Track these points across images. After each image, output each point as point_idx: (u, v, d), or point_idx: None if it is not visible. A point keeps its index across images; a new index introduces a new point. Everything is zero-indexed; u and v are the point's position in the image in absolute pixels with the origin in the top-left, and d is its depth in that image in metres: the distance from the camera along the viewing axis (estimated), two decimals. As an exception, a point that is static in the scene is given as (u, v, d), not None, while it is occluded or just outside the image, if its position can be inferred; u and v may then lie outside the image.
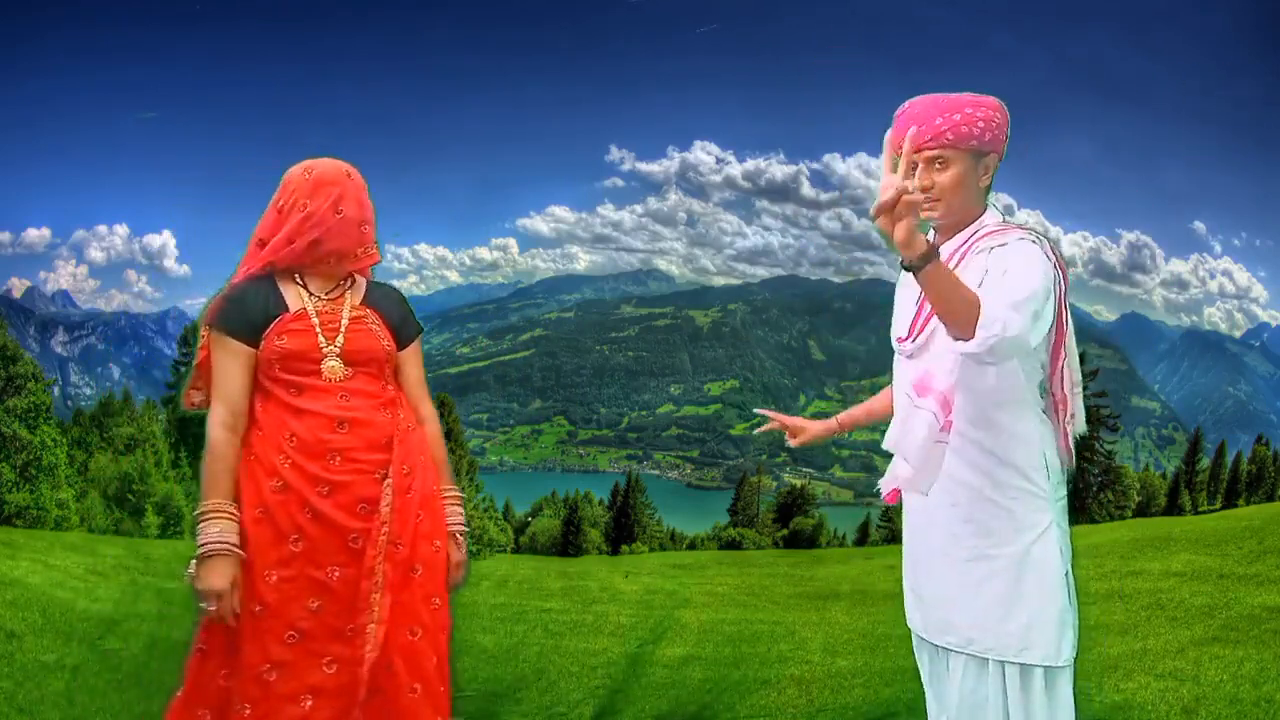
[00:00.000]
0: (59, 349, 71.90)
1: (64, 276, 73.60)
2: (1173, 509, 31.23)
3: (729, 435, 67.86)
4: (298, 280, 1.85)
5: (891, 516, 31.08)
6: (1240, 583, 5.92)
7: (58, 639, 3.74)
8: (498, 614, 6.74)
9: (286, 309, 1.82)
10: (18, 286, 70.09)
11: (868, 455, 63.14)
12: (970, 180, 1.72)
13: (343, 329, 1.84)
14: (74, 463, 19.60)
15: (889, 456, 1.92)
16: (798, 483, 44.18)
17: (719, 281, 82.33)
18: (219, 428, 1.75)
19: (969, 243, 1.73)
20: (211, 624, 1.74)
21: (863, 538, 33.99)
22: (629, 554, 30.66)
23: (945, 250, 1.76)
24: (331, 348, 1.82)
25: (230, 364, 1.78)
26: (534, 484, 50.17)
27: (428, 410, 1.98)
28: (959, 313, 1.49)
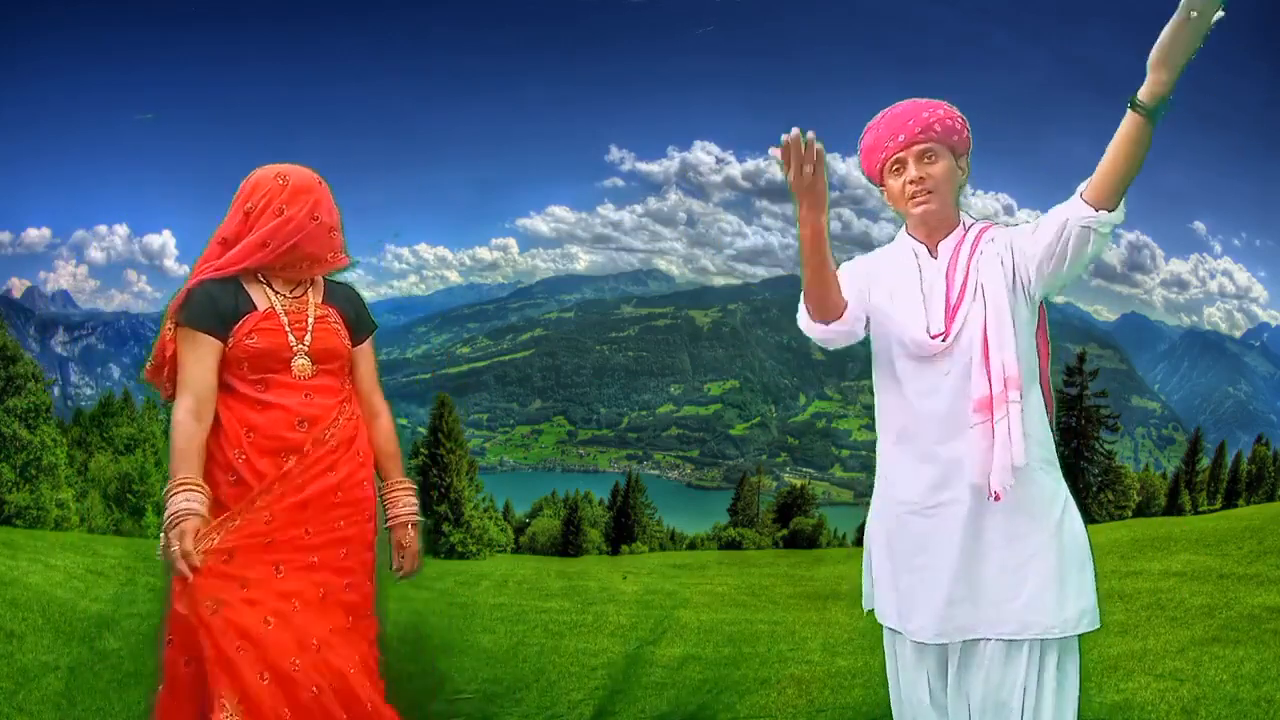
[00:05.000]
0: (59, 349, 71.86)
1: (64, 276, 73.69)
2: (1173, 509, 31.19)
3: (729, 435, 67.83)
4: (261, 279, 1.89)
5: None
6: (1240, 583, 5.92)
7: (58, 639, 3.73)
8: (498, 614, 6.73)
9: (254, 307, 1.86)
10: (18, 286, 70.17)
11: (868, 455, 62.99)
12: (954, 176, 1.79)
13: (310, 328, 1.89)
14: (74, 463, 19.56)
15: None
16: (798, 483, 44.17)
17: (719, 281, 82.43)
18: (187, 414, 1.78)
19: (979, 240, 1.78)
20: (175, 613, 1.76)
21: (862, 538, 33.89)
22: (629, 554, 30.62)
23: (945, 248, 1.82)
24: (300, 346, 1.87)
25: (201, 359, 1.81)
26: (534, 484, 50.15)
27: (380, 404, 2.04)
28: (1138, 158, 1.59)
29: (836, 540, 33.74)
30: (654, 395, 70.41)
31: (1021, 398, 1.68)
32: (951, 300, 1.77)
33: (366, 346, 2.02)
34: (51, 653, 3.53)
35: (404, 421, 64.88)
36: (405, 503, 2.01)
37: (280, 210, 1.83)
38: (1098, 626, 1.71)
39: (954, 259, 1.78)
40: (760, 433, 67.93)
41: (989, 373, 1.69)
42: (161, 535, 1.74)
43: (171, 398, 1.89)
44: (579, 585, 11.17)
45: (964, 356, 1.74)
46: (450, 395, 29.76)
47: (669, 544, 34.71)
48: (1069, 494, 1.75)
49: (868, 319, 1.88)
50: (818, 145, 1.57)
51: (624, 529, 33.35)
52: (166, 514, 1.73)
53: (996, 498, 1.68)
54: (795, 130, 1.56)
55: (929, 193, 1.77)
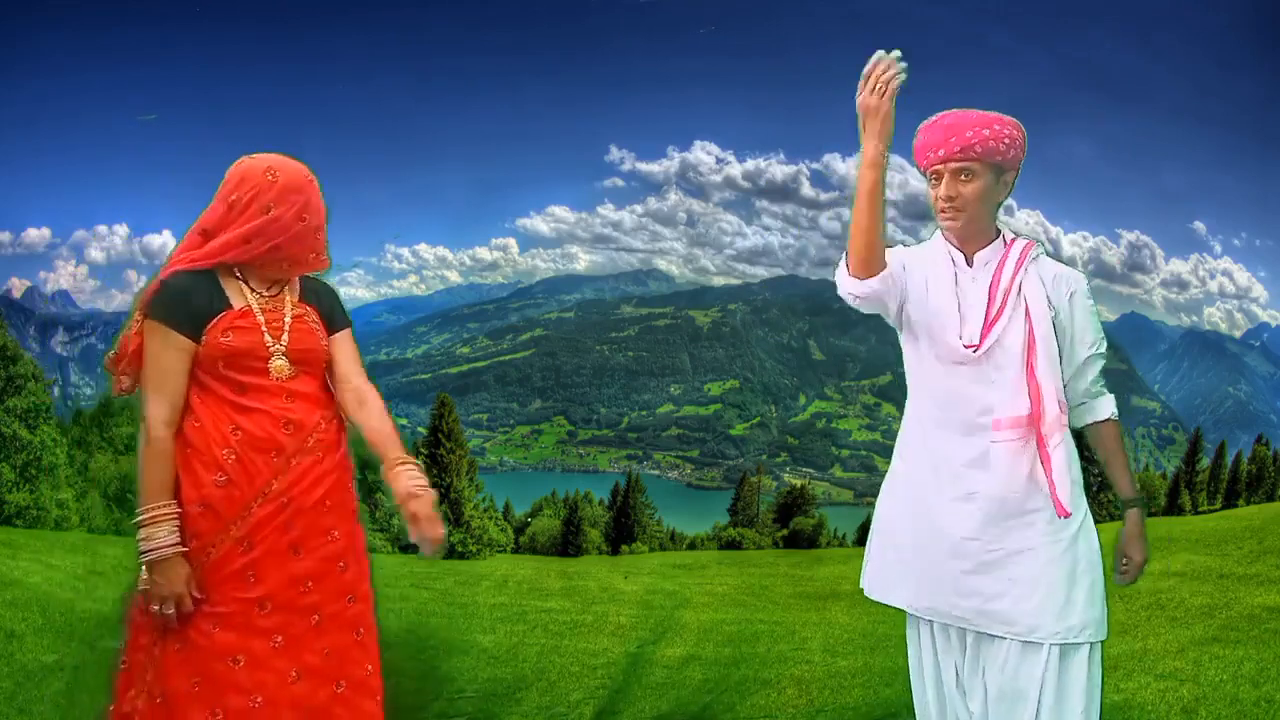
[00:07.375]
0: (59, 349, 71.90)
1: (64, 276, 73.62)
2: (1173, 509, 31.18)
3: (729, 435, 67.80)
4: (238, 276, 1.81)
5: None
6: (1240, 583, 5.93)
7: (58, 639, 3.73)
8: (498, 614, 6.74)
9: (230, 305, 1.77)
10: (18, 286, 70.13)
11: (868, 455, 63.10)
12: (991, 194, 1.81)
13: (287, 327, 1.81)
14: (74, 463, 19.54)
15: (889, 456, 1.97)
16: (798, 483, 44.19)
17: (719, 281, 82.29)
18: (161, 425, 1.70)
19: (1024, 258, 1.83)
20: (142, 626, 1.72)
21: (863, 538, 33.80)
22: (629, 554, 30.61)
23: (982, 259, 1.86)
24: (278, 346, 1.79)
25: (172, 358, 1.72)
26: (534, 484, 50.13)
27: (367, 388, 1.91)
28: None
29: (836, 540, 33.73)
30: (654, 395, 70.39)
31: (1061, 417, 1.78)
32: (991, 314, 1.80)
33: (343, 336, 1.93)
34: (52, 653, 3.52)
35: (404, 421, 64.81)
36: (410, 476, 1.82)
37: (267, 208, 1.75)
38: (1104, 638, 1.78)
39: (998, 273, 1.82)
40: (760, 433, 67.89)
41: (1030, 392, 1.77)
42: (142, 570, 1.68)
43: (124, 391, 1.80)
44: (579, 585, 11.18)
45: (996, 371, 1.80)
46: (450, 395, 29.77)
47: (669, 544, 34.69)
48: (1088, 509, 1.83)
49: (902, 300, 1.88)
50: (899, 74, 1.65)
51: (624, 529, 33.33)
52: (146, 547, 1.66)
53: (1005, 511, 1.79)
54: (884, 53, 1.65)
55: (958, 210, 1.80)
